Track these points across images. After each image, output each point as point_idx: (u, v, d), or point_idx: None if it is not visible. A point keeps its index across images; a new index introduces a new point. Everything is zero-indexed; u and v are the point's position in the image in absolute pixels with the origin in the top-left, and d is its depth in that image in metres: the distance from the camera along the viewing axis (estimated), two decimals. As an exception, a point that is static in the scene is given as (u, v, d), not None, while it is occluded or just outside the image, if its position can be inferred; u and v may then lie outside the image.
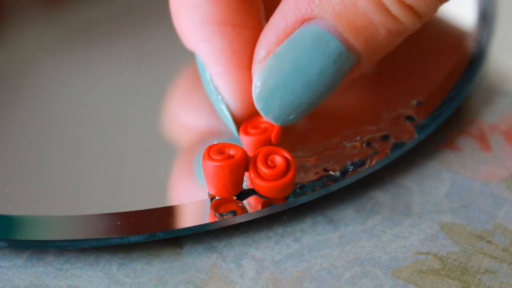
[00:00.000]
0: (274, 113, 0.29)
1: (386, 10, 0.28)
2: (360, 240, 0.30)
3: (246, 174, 0.30)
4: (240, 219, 0.30)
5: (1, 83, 0.37)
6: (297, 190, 0.31)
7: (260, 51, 0.29)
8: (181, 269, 0.29)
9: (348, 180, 0.31)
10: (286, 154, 0.30)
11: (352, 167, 0.32)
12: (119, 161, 0.33)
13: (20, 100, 0.36)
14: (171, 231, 0.30)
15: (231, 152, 0.30)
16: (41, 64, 0.38)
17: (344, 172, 0.31)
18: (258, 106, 0.29)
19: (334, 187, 0.31)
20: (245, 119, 0.31)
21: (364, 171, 0.32)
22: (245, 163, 0.30)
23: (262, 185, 0.29)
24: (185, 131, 0.34)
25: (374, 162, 0.32)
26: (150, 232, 0.30)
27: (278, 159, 0.29)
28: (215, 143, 0.30)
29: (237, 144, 0.30)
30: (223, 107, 0.31)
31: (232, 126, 0.31)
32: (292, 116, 0.29)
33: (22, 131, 0.34)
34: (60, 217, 0.30)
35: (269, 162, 0.30)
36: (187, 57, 0.38)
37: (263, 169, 0.29)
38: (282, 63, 0.29)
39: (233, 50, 0.30)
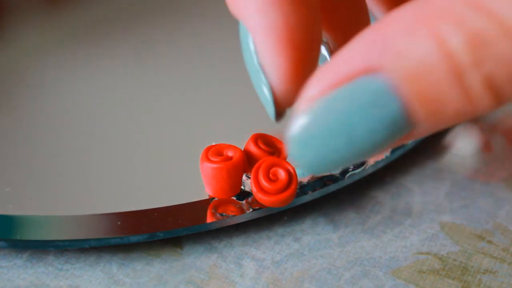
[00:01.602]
0: (305, 161, 0.26)
1: (464, 90, 0.24)
2: (360, 240, 0.30)
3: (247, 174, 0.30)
4: (240, 219, 0.30)
5: (1, 83, 0.37)
6: (297, 190, 0.31)
7: (313, 88, 0.25)
8: (181, 269, 0.29)
9: (348, 180, 0.31)
10: (288, 166, 0.29)
11: (352, 167, 0.32)
12: (119, 161, 0.33)
13: (21, 100, 0.36)
14: (171, 231, 0.30)
15: (229, 153, 0.30)
16: (41, 64, 0.38)
17: (344, 172, 0.31)
18: (290, 149, 0.26)
19: (334, 187, 0.31)
20: (287, 104, 0.29)
21: (364, 171, 0.32)
22: (243, 165, 0.30)
23: (263, 199, 0.29)
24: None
25: (374, 162, 0.32)
26: (150, 232, 0.30)
27: (280, 173, 0.29)
28: (214, 144, 0.30)
29: (235, 146, 0.30)
30: (264, 87, 0.28)
31: (270, 108, 0.29)
32: (325, 168, 0.26)
33: (22, 131, 0.34)
34: (60, 217, 0.30)
35: (271, 176, 0.29)
36: (188, 57, 0.38)
37: (264, 183, 0.29)
38: (330, 112, 0.25)
39: (288, 26, 0.27)
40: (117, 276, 0.29)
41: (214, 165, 0.29)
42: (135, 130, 0.34)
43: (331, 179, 0.31)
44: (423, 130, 0.25)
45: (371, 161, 0.32)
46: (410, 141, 0.33)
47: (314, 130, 0.25)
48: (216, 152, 0.30)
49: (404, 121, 0.25)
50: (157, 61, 0.38)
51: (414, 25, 0.24)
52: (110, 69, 0.38)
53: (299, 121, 0.25)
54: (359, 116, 0.25)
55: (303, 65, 0.28)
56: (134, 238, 0.29)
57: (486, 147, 0.34)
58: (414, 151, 0.33)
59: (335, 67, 0.25)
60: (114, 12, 0.41)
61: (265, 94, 0.28)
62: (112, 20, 0.40)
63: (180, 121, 0.35)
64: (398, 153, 0.33)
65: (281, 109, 0.28)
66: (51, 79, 0.37)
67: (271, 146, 0.30)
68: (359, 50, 0.25)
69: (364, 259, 0.30)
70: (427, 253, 0.30)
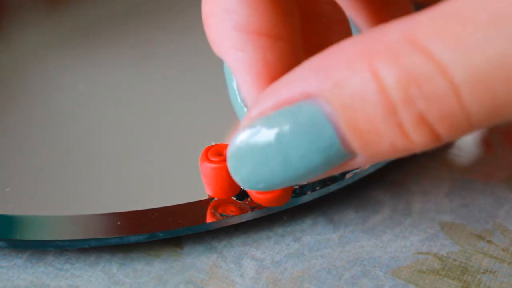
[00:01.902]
0: (241, 176, 0.26)
1: (397, 125, 0.24)
2: (360, 240, 0.30)
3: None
4: (240, 219, 0.30)
5: (1, 83, 0.37)
6: (297, 190, 0.31)
7: (256, 108, 0.26)
8: (181, 269, 0.29)
9: (348, 180, 0.31)
10: None
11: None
12: (119, 161, 0.33)
13: (21, 100, 0.36)
14: (171, 231, 0.30)
15: None
16: (41, 64, 0.38)
17: (344, 172, 0.31)
18: (228, 163, 0.27)
19: (334, 187, 0.31)
20: None
21: (364, 171, 0.32)
22: None
23: (258, 197, 0.29)
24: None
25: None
26: (150, 232, 0.30)
27: None
28: (213, 144, 0.30)
29: None
30: None
31: None
32: (261, 186, 0.26)
33: (23, 131, 0.34)
34: (60, 217, 0.30)
35: None
36: (188, 57, 0.38)
37: None
38: (267, 131, 0.26)
39: (266, 62, 0.28)
40: (117, 276, 0.29)
41: (214, 165, 0.29)
42: (135, 130, 0.34)
43: (331, 179, 0.31)
44: (364, 160, 0.25)
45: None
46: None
47: (250, 147, 0.26)
48: (216, 152, 0.30)
49: (339, 149, 0.25)
50: (157, 61, 0.38)
51: (355, 58, 0.24)
52: (110, 69, 0.38)
53: (238, 137, 0.26)
54: (295, 139, 0.25)
55: None
56: (134, 238, 0.29)
57: (486, 147, 0.34)
58: (414, 151, 0.33)
59: (277, 90, 0.26)
60: (114, 12, 0.41)
61: None
62: (112, 20, 0.40)
63: (180, 121, 0.35)
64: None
65: None
66: (51, 79, 0.37)
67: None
68: (302, 76, 0.25)
69: (364, 259, 0.30)
70: (427, 253, 0.30)
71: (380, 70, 0.24)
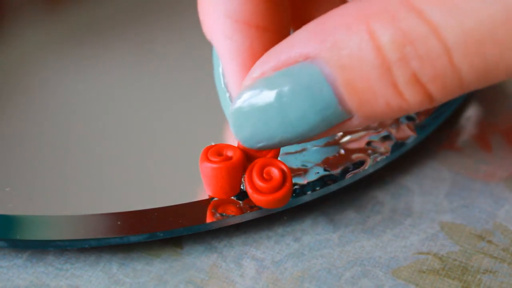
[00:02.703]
0: (242, 135, 0.28)
1: (392, 83, 0.25)
2: (360, 240, 0.30)
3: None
4: (240, 219, 0.30)
5: (1, 83, 0.37)
6: (297, 190, 0.31)
7: (256, 69, 0.27)
8: (181, 269, 0.29)
9: (348, 180, 0.31)
10: (282, 165, 0.29)
11: (352, 167, 0.32)
12: (119, 161, 0.33)
13: (21, 100, 0.36)
14: (171, 231, 0.30)
15: (229, 153, 0.29)
16: (41, 64, 0.38)
17: (344, 172, 0.31)
18: (230, 122, 0.28)
19: (334, 187, 0.31)
20: None
21: (364, 171, 0.32)
22: (243, 165, 0.29)
23: (259, 199, 0.29)
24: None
25: (374, 162, 0.32)
26: (150, 232, 0.30)
27: (274, 172, 0.29)
28: (213, 144, 0.30)
29: (235, 146, 0.30)
30: (230, 105, 0.30)
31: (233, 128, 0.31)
32: (260, 145, 0.28)
33: (23, 131, 0.34)
34: (60, 217, 0.30)
35: (265, 175, 0.29)
36: (188, 57, 0.38)
37: (259, 182, 0.29)
38: (268, 92, 0.27)
39: (252, 51, 0.29)
40: (117, 276, 0.29)
41: (214, 165, 0.29)
42: (135, 130, 0.34)
43: (331, 179, 0.31)
44: (360, 121, 0.27)
45: (371, 161, 0.32)
46: (410, 142, 0.33)
47: (252, 106, 0.27)
48: (216, 152, 0.30)
49: (336, 108, 0.26)
50: (157, 61, 0.38)
51: (353, 20, 0.25)
52: (110, 69, 0.38)
53: (240, 97, 0.27)
54: (294, 99, 0.27)
55: None
56: (134, 238, 0.29)
57: (486, 147, 0.34)
58: (414, 151, 0.33)
59: (278, 52, 0.27)
60: (114, 12, 0.41)
61: (229, 111, 0.29)
62: (112, 20, 0.40)
63: (180, 121, 0.35)
64: (398, 153, 0.33)
65: None
66: (51, 79, 0.37)
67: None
68: (302, 38, 0.27)
69: (364, 259, 0.30)
70: (427, 253, 0.30)
71: (376, 31, 0.25)
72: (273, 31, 0.30)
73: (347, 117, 0.27)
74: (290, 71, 0.27)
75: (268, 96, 0.27)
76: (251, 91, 0.27)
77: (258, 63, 0.28)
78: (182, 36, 0.39)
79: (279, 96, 0.27)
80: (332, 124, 0.27)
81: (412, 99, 0.25)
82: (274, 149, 0.29)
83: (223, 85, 0.30)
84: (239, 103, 0.28)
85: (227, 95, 0.30)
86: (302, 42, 0.26)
